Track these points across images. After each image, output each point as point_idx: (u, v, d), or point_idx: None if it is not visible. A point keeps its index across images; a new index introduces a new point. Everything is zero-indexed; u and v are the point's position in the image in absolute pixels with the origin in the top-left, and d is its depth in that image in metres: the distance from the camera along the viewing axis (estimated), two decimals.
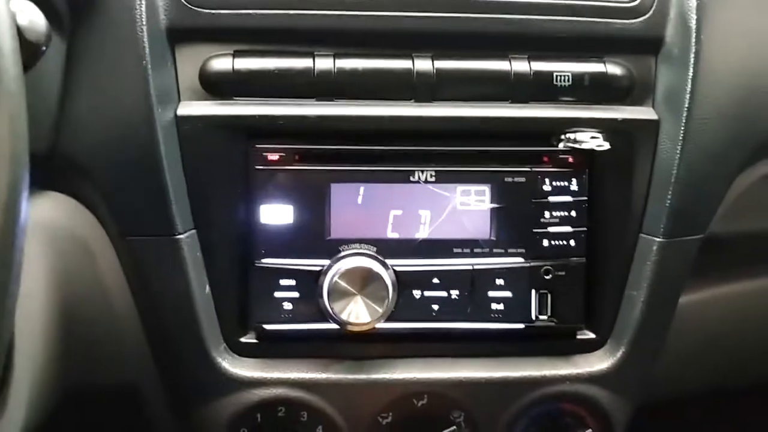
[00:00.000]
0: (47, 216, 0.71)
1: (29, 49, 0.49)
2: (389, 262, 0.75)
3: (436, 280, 0.76)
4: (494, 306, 0.77)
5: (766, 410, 1.16)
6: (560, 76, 0.75)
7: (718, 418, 1.18)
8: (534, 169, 0.77)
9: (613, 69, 0.76)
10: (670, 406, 0.99)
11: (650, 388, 0.82)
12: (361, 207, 0.76)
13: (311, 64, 0.73)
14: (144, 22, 0.69)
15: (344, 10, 0.73)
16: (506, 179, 0.77)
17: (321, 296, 0.74)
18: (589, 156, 0.77)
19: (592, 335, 0.81)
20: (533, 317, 0.78)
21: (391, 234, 0.76)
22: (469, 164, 0.76)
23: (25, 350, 0.62)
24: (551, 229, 0.77)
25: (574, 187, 0.77)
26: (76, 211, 0.73)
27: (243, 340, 0.77)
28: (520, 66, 0.75)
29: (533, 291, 0.78)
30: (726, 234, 0.83)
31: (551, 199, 0.77)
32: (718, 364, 0.95)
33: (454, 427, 0.79)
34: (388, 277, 0.74)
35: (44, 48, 0.53)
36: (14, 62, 0.39)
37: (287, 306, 0.76)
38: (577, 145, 0.74)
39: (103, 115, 0.70)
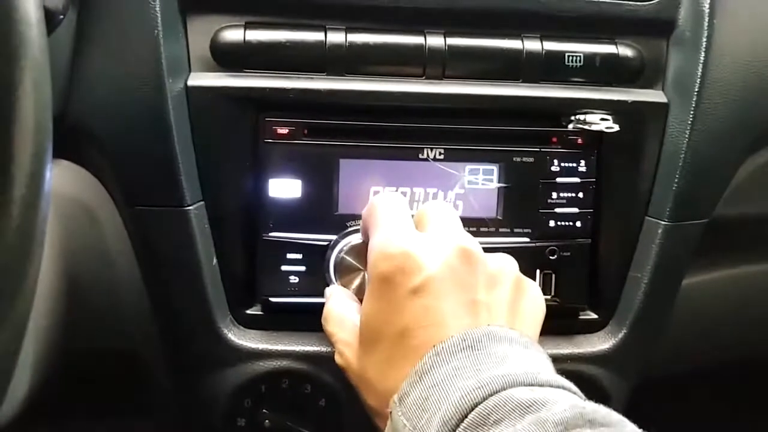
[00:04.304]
0: (55, 184, 0.70)
1: (48, 17, 0.49)
2: None
3: None
4: None
5: (762, 390, 1.17)
6: (572, 56, 0.75)
7: (716, 396, 1.20)
8: (543, 150, 0.77)
9: (625, 51, 0.76)
10: (670, 384, 1.00)
11: (650, 368, 0.83)
12: (369, 183, 0.76)
13: (323, 38, 0.73)
14: None
15: None
16: (515, 159, 0.77)
17: (327, 271, 0.74)
18: (598, 138, 0.77)
19: (594, 316, 0.81)
20: None
21: None
22: (478, 143, 0.76)
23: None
24: (558, 210, 0.78)
25: (582, 168, 0.77)
26: (84, 180, 0.73)
27: (249, 312, 0.78)
28: (532, 45, 0.75)
29: (537, 271, 0.78)
30: (729, 217, 0.83)
31: (559, 179, 0.77)
32: (718, 346, 0.97)
33: None
34: None
35: (62, 16, 0.53)
36: (40, 32, 0.39)
37: (293, 279, 0.76)
38: (586, 127, 0.74)
39: (113, 84, 0.69)
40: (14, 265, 0.39)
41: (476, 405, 0.47)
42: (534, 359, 0.54)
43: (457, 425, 0.47)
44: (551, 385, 0.50)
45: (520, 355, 0.53)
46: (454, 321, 0.56)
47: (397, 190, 0.76)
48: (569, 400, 0.47)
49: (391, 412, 0.54)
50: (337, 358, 0.64)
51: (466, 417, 0.47)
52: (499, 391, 0.48)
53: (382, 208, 0.65)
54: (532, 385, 0.49)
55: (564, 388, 0.50)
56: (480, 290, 0.58)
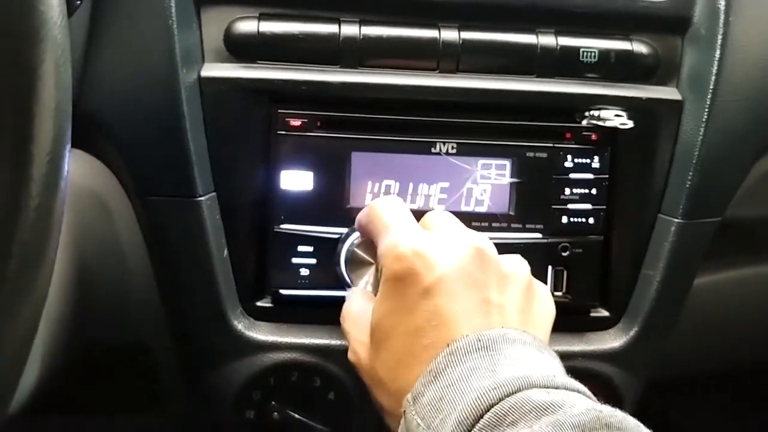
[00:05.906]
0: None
1: (66, 1, 0.49)
2: None
3: None
4: None
5: None
6: (587, 52, 0.75)
7: (728, 396, 1.20)
8: (556, 145, 0.76)
9: (640, 48, 0.76)
10: (681, 384, 1.00)
11: (662, 367, 0.83)
12: (381, 176, 0.76)
13: (337, 30, 0.72)
14: None
15: None
16: (528, 154, 0.76)
17: (338, 264, 0.74)
18: (612, 134, 0.77)
19: (606, 313, 0.81)
20: None
21: (411, 205, 0.76)
22: (491, 138, 0.76)
23: None
24: (571, 206, 0.77)
25: (595, 164, 0.77)
26: (96, 170, 0.73)
27: (259, 304, 0.78)
28: (547, 40, 0.75)
29: (549, 267, 0.78)
30: (740, 218, 0.83)
31: (572, 176, 0.77)
32: (730, 346, 0.96)
33: None
34: None
35: (79, 2, 0.53)
36: (61, 13, 0.39)
37: (304, 272, 0.76)
38: (600, 123, 0.74)
39: (126, 74, 0.69)
40: (34, 243, 0.39)
41: (492, 406, 0.47)
42: (547, 363, 0.54)
43: (473, 426, 0.47)
44: (567, 388, 0.49)
45: (534, 357, 0.53)
46: (466, 320, 0.56)
47: (409, 184, 0.76)
48: (586, 403, 0.47)
49: (404, 411, 0.53)
50: (350, 355, 0.64)
51: (481, 417, 0.47)
52: (516, 392, 0.48)
53: (386, 210, 0.65)
54: (548, 387, 0.49)
55: (579, 391, 0.50)
56: (492, 290, 0.58)
